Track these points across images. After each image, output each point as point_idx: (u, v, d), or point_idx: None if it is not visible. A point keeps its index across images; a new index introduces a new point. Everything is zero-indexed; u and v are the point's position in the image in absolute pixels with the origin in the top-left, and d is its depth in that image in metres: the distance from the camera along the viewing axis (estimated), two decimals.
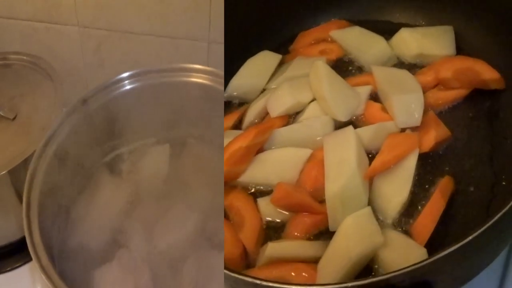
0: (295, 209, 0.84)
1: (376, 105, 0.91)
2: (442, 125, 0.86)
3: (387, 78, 0.91)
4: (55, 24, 1.19)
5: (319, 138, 0.89)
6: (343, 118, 0.90)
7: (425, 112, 0.88)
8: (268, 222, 0.86)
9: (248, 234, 0.83)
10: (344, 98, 0.92)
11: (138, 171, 1.07)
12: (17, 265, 1.06)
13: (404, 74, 0.92)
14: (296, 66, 0.99)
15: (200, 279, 0.92)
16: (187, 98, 1.04)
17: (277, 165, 0.88)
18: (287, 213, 0.85)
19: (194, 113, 1.05)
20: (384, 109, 0.89)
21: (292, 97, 0.93)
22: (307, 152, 0.88)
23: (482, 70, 0.89)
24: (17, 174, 0.97)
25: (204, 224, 0.98)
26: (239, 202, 0.87)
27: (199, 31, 1.15)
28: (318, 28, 1.06)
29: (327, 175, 0.83)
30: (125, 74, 1.03)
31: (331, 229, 0.81)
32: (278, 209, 0.85)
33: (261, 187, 0.89)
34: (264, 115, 0.96)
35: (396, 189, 0.82)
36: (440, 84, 0.92)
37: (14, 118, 1.03)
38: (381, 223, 0.80)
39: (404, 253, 0.76)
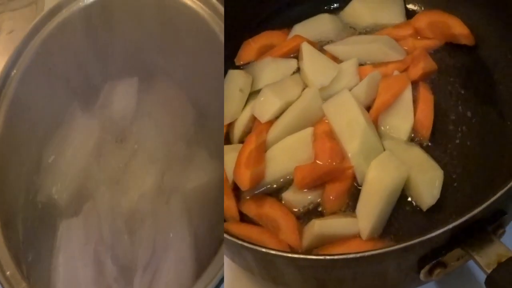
0: (321, 180, 0.86)
1: (367, 67, 0.96)
2: (430, 59, 0.94)
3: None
4: None
5: (311, 115, 0.91)
6: (321, 84, 0.93)
7: (415, 49, 0.95)
8: (299, 211, 0.87)
9: (288, 232, 0.84)
10: (322, 67, 0.95)
11: (109, 105, 1.03)
12: None
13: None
14: (270, 71, 0.99)
15: (158, 244, 0.91)
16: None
17: (289, 153, 0.89)
18: (313, 196, 0.86)
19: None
20: (375, 66, 0.95)
21: (279, 98, 0.93)
22: (309, 130, 0.90)
23: (454, 25, 0.96)
24: None
25: (163, 177, 0.97)
26: (264, 208, 0.87)
27: None
28: (261, 35, 1.04)
29: (342, 138, 0.87)
30: None
31: (360, 183, 0.85)
32: (305, 194, 0.86)
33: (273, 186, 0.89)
34: (252, 124, 0.95)
35: (403, 118, 0.89)
36: (415, 33, 0.98)
37: None
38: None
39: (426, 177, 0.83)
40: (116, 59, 1.03)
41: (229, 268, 0.88)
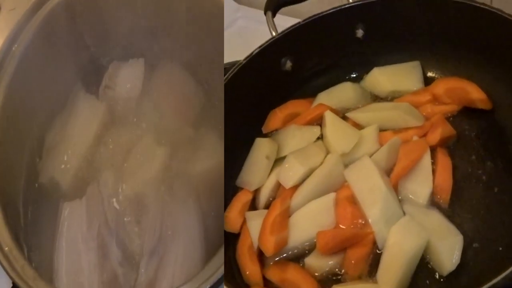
0: (343, 245, 0.84)
1: (387, 133, 0.94)
2: (448, 125, 0.93)
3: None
4: None
5: (333, 180, 0.90)
6: (343, 150, 0.92)
7: (434, 115, 0.94)
8: (321, 276, 0.85)
9: None
10: (344, 134, 0.94)
11: (114, 86, 0.98)
12: None
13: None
14: (295, 138, 0.98)
15: (164, 230, 0.87)
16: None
17: (312, 219, 0.88)
18: (335, 261, 0.84)
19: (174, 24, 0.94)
20: (395, 132, 0.94)
21: (303, 165, 0.91)
22: (331, 195, 0.88)
23: (471, 90, 0.94)
24: None
25: (170, 161, 0.92)
26: (287, 274, 0.85)
27: None
28: (287, 105, 1.04)
29: (363, 203, 0.85)
30: None
31: (380, 248, 0.83)
32: (326, 259, 0.84)
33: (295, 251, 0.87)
34: (277, 190, 0.94)
35: (422, 183, 0.87)
36: (434, 99, 0.97)
37: None
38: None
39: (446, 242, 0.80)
40: (122, 39, 0.99)
41: None
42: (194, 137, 0.97)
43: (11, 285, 0.75)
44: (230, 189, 0.96)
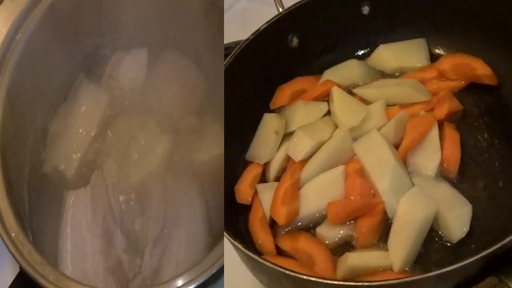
0: (354, 215, 0.85)
1: (394, 108, 0.95)
2: (455, 100, 0.94)
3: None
4: None
5: (342, 154, 0.91)
6: (351, 125, 0.93)
7: (440, 90, 0.96)
8: (333, 245, 0.86)
9: (323, 265, 0.83)
10: (351, 109, 0.95)
11: (117, 76, 0.99)
12: None
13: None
14: (303, 114, 0.99)
15: (168, 218, 0.88)
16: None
17: (321, 191, 0.89)
18: (345, 230, 0.85)
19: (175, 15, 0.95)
20: (401, 107, 0.95)
21: (311, 139, 0.92)
22: (340, 168, 0.89)
23: (477, 66, 0.95)
24: None
25: (173, 150, 0.93)
26: (299, 242, 0.86)
27: None
28: (293, 81, 1.04)
29: (373, 175, 0.87)
30: None
31: (390, 217, 0.84)
32: (337, 229, 0.86)
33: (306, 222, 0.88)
34: (286, 163, 0.95)
35: (430, 155, 0.89)
36: (440, 75, 0.98)
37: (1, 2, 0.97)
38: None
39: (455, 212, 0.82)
40: (125, 29, 0.99)
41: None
42: (197, 126, 0.97)
43: (18, 269, 0.77)
44: (241, 162, 0.97)
